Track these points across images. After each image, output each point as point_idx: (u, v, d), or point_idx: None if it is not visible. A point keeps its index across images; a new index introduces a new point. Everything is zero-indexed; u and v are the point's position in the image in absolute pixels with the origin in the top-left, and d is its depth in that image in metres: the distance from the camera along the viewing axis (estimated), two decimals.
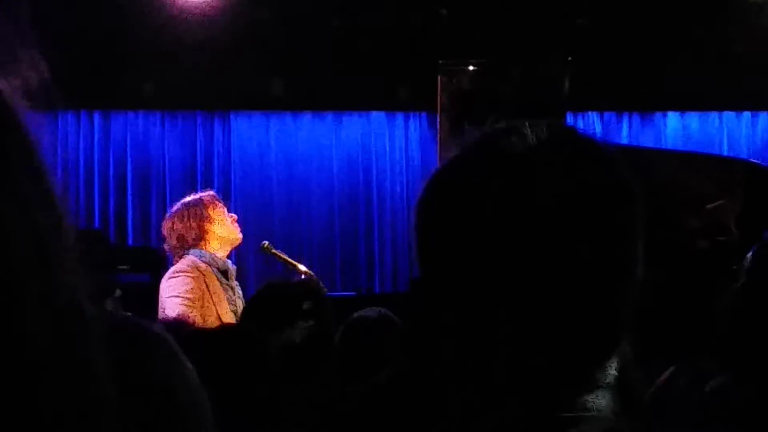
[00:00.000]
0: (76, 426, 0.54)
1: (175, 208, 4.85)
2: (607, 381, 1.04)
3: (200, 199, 4.82)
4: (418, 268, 1.12)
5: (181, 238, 4.72)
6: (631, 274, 1.05)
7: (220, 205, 4.84)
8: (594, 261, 1.02)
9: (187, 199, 4.87)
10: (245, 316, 3.22)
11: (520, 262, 1.01)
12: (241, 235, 4.92)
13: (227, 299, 4.72)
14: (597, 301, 1.02)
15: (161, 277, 4.78)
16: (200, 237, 4.71)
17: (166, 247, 4.83)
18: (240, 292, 4.92)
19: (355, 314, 3.31)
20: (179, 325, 2.62)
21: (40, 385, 0.53)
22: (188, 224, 4.71)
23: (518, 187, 1.03)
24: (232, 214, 4.91)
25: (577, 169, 1.05)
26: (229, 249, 4.85)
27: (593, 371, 1.04)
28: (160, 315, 4.41)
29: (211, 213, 4.76)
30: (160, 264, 4.67)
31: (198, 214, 4.74)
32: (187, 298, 4.51)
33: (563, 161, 1.05)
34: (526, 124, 1.11)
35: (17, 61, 0.61)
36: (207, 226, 4.72)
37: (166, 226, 4.81)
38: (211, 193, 4.93)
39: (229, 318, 4.62)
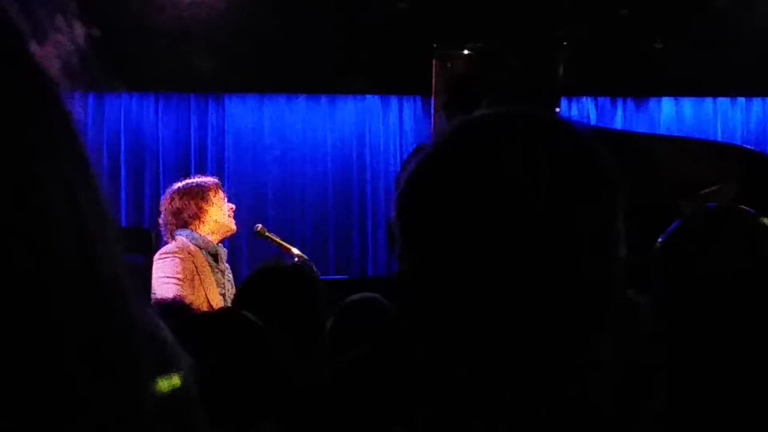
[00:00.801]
0: (119, 420, 0.52)
1: (177, 185, 4.88)
2: (601, 360, 1.04)
3: (204, 181, 4.86)
4: (401, 255, 1.11)
5: (177, 213, 4.73)
6: (613, 255, 1.05)
7: (222, 192, 4.88)
8: (574, 244, 1.02)
9: (191, 180, 4.90)
10: (238, 300, 3.22)
11: (503, 250, 1.01)
12: (235, 227, 4.93)
13: (216, 282, 4.72)
14: (578, 282, 1.03)
15: (151, 257, 4.78)
16: (196, 217, 4.73)
17: (160, 221, 4.84)
18: (230, 275, 4.93)
19: (348, 299, 3.31)
20: (174, 308, 2.62)
21: (84, 376, 0.51)
22: (187, 202, 4.74)
23: (498, 175, 1.03)
24: (231, 205, 4.92)
25: (555, 156, 1.05)
26: (221, 237, 4.86)
27: (581, 350, 1.04)
28: (152, 296, 4.40)
29: (211, 196, 4.79)
30: (154, 246, 4.68)
31: (199, 194, 4.77)
32: (177, 279, 4.52)
33: (542, 149, 1.06)
34: (507, 111, 1.11)
35: (54, 28, 0.58)
36: (205, 207, 4.74)
37: (164, 201, 4.83)
38: (216, 180, 4.96)
39: (217, 301, 4.63)
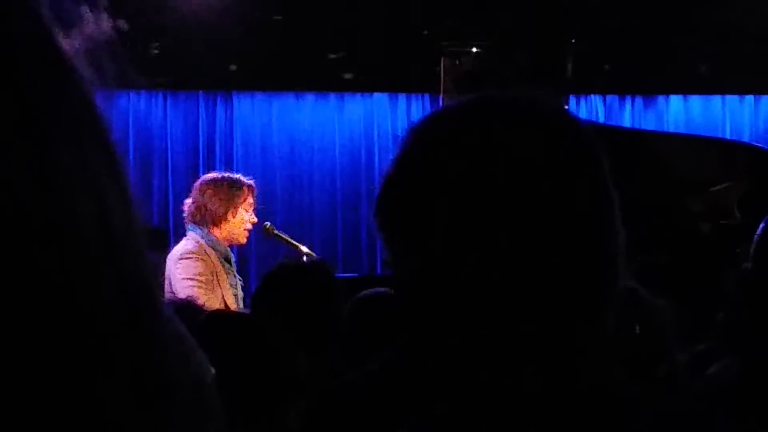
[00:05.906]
0: (142, 418, 0.51)
1: (213, 176, 4.82)
2: (610, 348, 1.04)
3: (242, 184, 4.78)
4: (397, 252, 1.10)
5: (201, 209, 4.69)
6: (610, 232, 1.04)
7: (252, 198, 4.82)
8: (570, 223, 1.01)
9: (234, 175, 4.84)
10: (257, 298, 3.23)
11: (498, 237, 1.00)
12: (244, 241, 4.93)
13: (229, 282, 4.73)
14: (577, 262, 1.02)
15: (166, 255, 4.77)
16: (215, 222, 4.70)
17: (185, 206, 4.80)
18: (239, 276, 4.94)
19: (359, 294, 3.31)
20: (190, 308, 2.63)
21: (114, 386, 0.49)
22: (216, 204, 4.68)
23: (480, 161, 1.03)
24: (254, 218, 4.87)
25: (538, 137, 1.05)
26: (228, 244, 4.83)
27: (585, 336, 1.03)
28: (168, 295, 4.39)
29: (239, 203, 4.73)
30: (164, 243, 4.67)
31: (232, 196, 4.72)
32: (200, 281, 4.53)
33: (521, 130, 1.06)
34: (491, 96, 1.11)
35: (81, 20, 0.57)
36: (228, 214, 4.71)
37: (196, 190, 4.77)
38: (251, 182, 4.88)
39: (231, 300, 4.65)
